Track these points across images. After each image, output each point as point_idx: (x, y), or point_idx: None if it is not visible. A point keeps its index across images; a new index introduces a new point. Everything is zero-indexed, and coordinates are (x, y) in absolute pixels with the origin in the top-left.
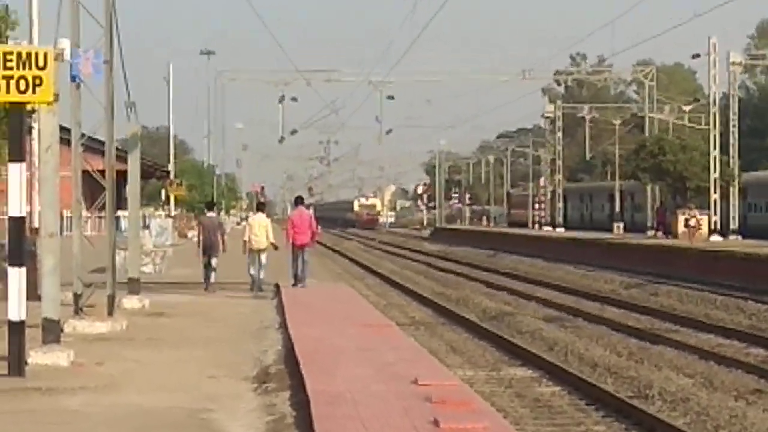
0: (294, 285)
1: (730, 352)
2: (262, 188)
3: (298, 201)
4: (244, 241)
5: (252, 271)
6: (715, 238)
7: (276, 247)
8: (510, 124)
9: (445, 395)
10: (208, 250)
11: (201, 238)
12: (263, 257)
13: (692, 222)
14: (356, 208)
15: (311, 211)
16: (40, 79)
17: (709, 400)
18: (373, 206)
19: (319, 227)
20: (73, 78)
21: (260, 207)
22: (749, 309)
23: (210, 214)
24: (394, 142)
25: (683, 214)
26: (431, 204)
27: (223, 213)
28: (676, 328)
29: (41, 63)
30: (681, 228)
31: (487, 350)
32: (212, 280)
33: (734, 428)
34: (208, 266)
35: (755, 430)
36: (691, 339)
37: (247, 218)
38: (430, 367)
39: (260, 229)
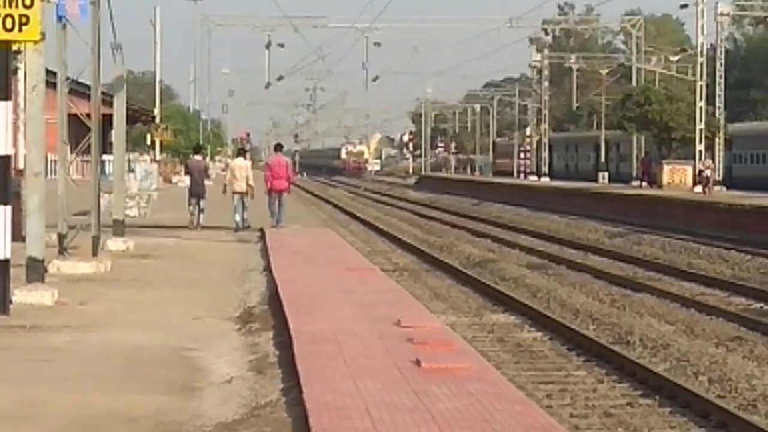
0: (273, 227)
1: (711, 300)
2: (248, 134)
3: (277, 148)
4: (224, 185)
5: (236, 214)
6: (700, 189)
7: (252, 196)
8: (497, 73)
9: (427, 337)
10: (195, 191)
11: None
12: (245, 200)
13: (707, 173)
14: (343, 155)
15: (296, 157)
16: (27, 17)
17: (689, 346)
18: (361, 154)
19: (297, 175)
20: (60, 18)
21: (241, 152)
22: (732, 259)
23: (197, 157)
24: (380, 89)
25: (701, 165)
26: (417, 152)
27: (208, 158)
28: (659, 277)
29: (28, 1)
30: (689, 180)
31: (470, 296)
32: (200, 221)
33: (714, 374)
34: (195, 207)
35: (734, 376)
36: (673, 287)
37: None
38: (413, 310)
39: (241, 173)
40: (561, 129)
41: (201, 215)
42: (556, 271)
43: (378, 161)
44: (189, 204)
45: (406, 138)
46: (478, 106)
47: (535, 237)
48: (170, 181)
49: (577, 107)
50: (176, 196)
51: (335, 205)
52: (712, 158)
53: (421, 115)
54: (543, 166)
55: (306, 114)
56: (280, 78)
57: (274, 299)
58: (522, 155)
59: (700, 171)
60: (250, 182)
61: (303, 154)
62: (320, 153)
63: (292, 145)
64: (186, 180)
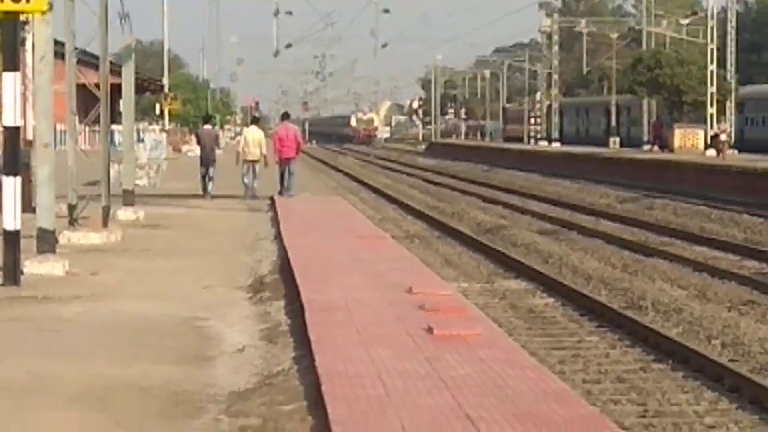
0: (280, 194)
1: (724, 264)
2: (257, 103)
3: (285, 116)
4: (237, 152)
5: (246, 180)
6: (711, 152)
7: (266, 164)
8: (506, 39)
9: (438, 304)
10: (206, 161)
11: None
12: (257, 168)
13: (723, 137)
14: (353, 123)
15: (305, 125)
16: None
17: (702, 311)
18: (371, 121)
19: (307, 143)
20: None
21: (255, 120)
22: (744, 222)
23: (207, 127)
24: (389, 56)
25: (717, 129)
26: (427, 119)
27: (217, 127)
28: (671, 241)
29: None
30: (701, 143)
31: (482, 263)
32: (210, 189)
33: (727, 338)
34: (205, 176)
35: (747, 340)
36: (685, 252)
37: (241, 132)
38: (425, 277)
39: (254, 141)
40: (571, 94)
41: (211, 183)
42: (567, 236)
43: (388, 128)
44: (200, 174)
45: (415, 105)
46: (488, 72)
47: (546, 203)
48: (180, 151)
49: (588, 72)
50: (186, 165)
51: (345, 173)
52: (724, 121)
53: (430, 82)
54: (553, 132)
55: (315, 82)
56: (289, 46)
57: (284, 268)
58: (532, 121)
59: (716, 135)
60: (264, 151)
61: (312, 122)
62: (330, 121)
63: (302, 113)
64: (196, 149)
